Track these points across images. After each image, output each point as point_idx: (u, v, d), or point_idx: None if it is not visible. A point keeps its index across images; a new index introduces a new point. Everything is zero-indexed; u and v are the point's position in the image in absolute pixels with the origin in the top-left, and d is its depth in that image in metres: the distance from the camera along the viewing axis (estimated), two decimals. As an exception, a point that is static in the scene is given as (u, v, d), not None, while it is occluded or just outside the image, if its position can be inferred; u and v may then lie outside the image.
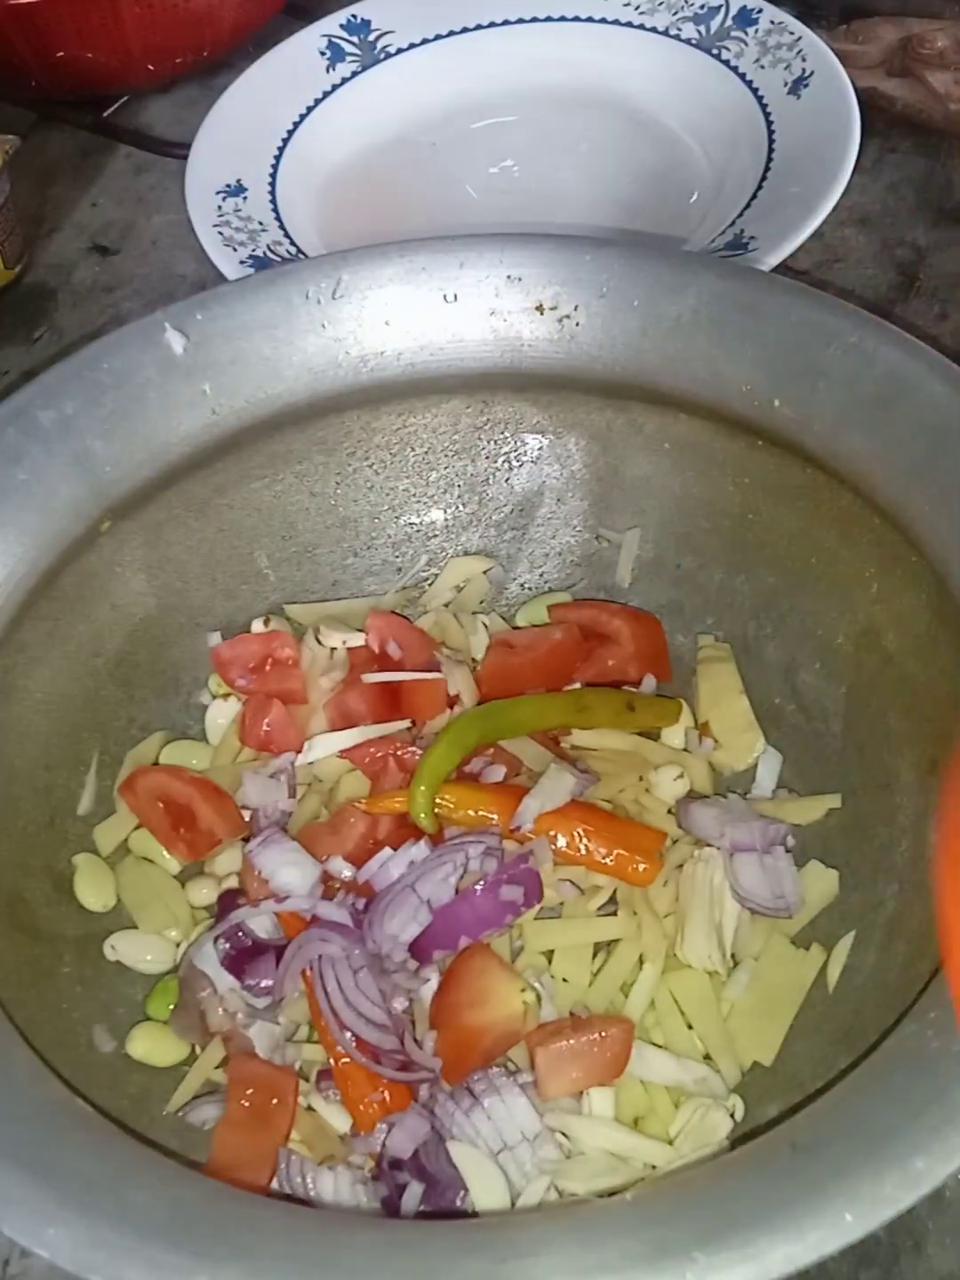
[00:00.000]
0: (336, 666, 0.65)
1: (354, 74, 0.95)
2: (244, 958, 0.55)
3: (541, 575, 0.69)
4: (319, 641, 0.65)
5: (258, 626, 0.66)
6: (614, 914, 0.56)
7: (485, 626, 0.67)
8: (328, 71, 0.94)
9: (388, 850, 0.56)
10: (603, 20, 0.95)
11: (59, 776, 0.60)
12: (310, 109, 0.93)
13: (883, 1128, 0.39)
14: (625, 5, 0.95)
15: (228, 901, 0.58)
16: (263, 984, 0.55)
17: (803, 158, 0.83)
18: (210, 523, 0.65)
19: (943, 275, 0.85)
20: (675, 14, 0.93)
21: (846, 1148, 0.38)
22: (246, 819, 0.61)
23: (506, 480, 0.68)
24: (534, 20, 0.96)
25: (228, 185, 0.87)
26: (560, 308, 0.61)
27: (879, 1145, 0.38)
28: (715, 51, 0.91)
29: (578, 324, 0.61)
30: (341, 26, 0.96)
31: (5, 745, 0.57)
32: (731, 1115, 0.52)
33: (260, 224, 0.84)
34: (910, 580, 0.56)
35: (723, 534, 0.64)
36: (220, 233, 0.83)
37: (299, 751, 0.62)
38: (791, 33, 0.90)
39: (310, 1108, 0.54)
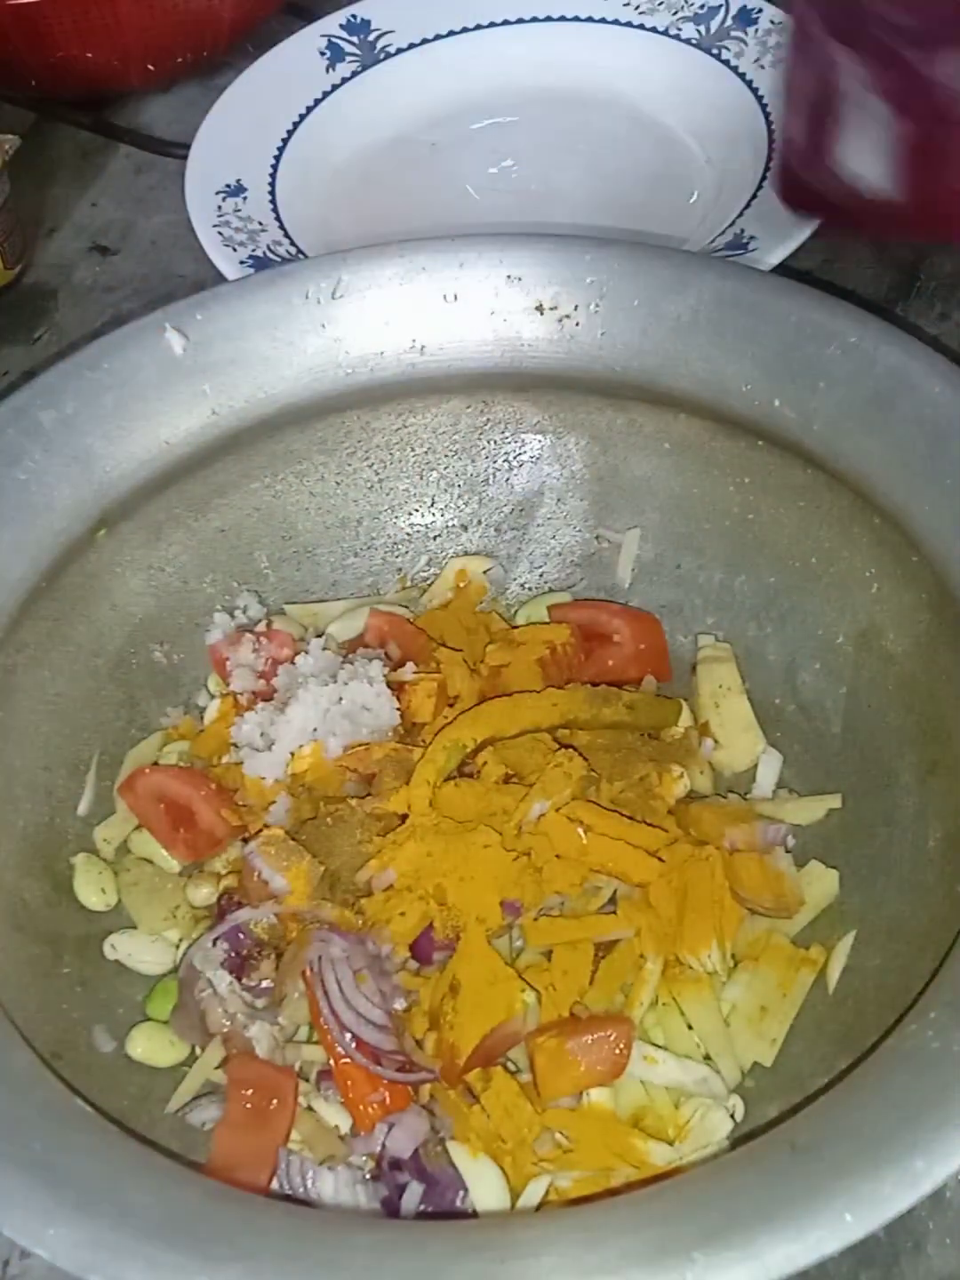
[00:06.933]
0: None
1: (354, 74, 0.94)
2: (244, 958, 0.55)
3: (541, 575, 0.69)
4: (320, 641, 0.65)
5: (258, 626, 0.66)
6: (614, 914, 0.56)
7: (485, 626, 0.67)
8: (328, 71, 0.94)
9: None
10: (603, 20, 0.95)
11: (59, 776, 0.60)
12: (310, 109, 0.93)
13: (883, 1128, 0.39)
14: (625, 5, 0.95)
15: (228, 901, 0.58)
16: (263, 984, 0.55)
17: (803, 158, 0.83)
18: (210, 523, 0.65)
19: (943, 275, 0.85)
20: (675, 14, 0.93)
21: (846, 1148, 0.38)
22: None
23: (506, 480, 0.68)
24: (534, 20, 0.96)
25: (228, 185, 0.87)
26: (560, 308, 0.61)
27: (879, 1145, 0.38)
28: (715, 51, 0.91)
29: (578, 324, 0.61)
30: (341, 26, 0.96)
31: (5, 745, 0.57)
32: (731, 1115, 0.52)
33: (260, 224, 0.84)
34: (910, 580, 0.56)
35: (723, 534, 0.64)
36: (220, 233, 0.83)
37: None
38: (792, 33, 0.89)
39: (310, 1108, 0.54)
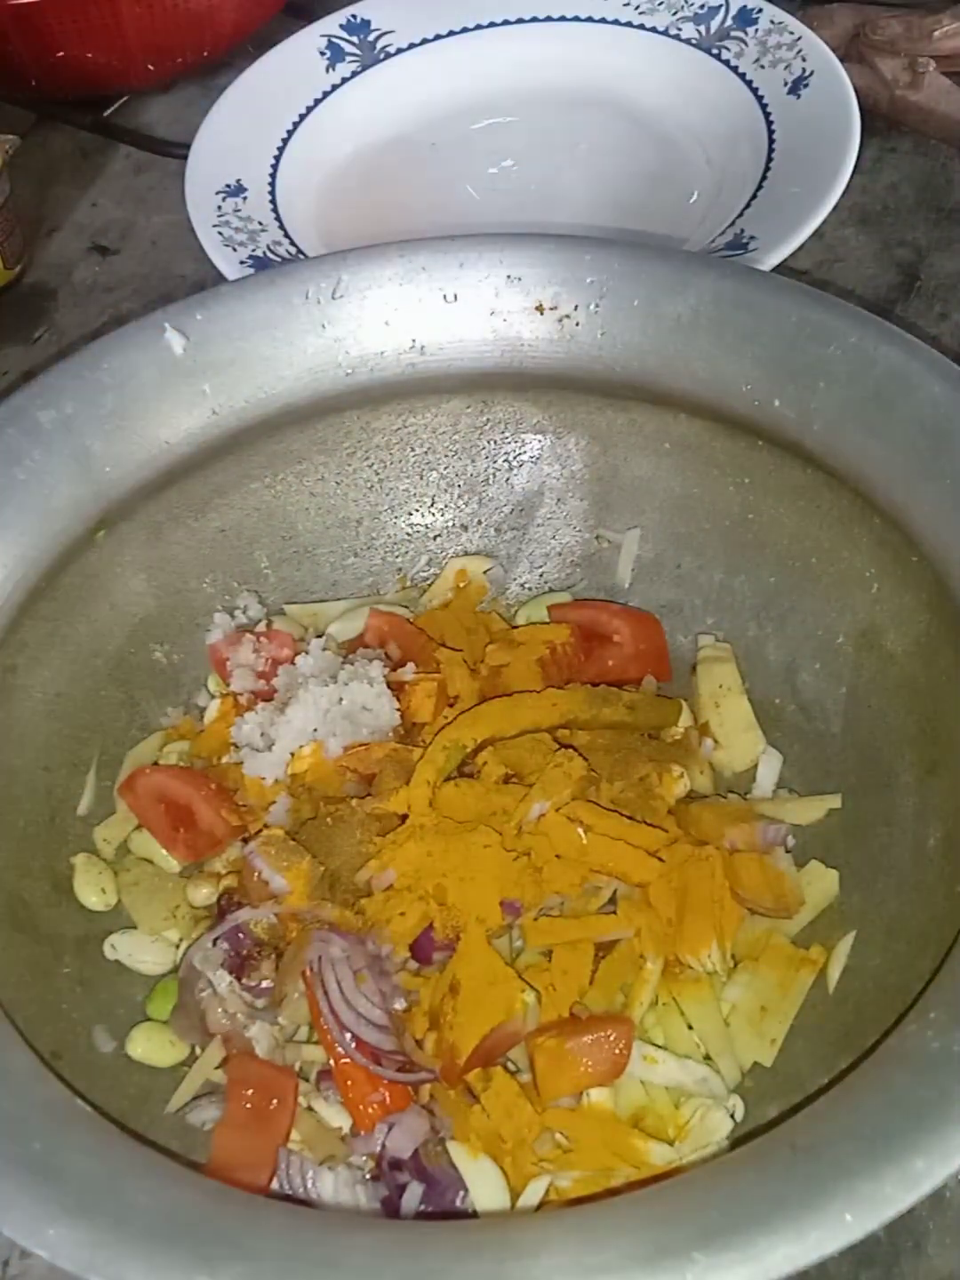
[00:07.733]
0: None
1: (354, 74, 0.95)
2: (244, 958, 0.55)
3: (541, 575, 0.69)
4: (320, 641, 0.65)
5: (258, 626, 0.66)
6: (614, 914, 0.56)
7: (485, 626, 0.67)
8: (328, 71, 0.94)
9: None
10: (603, 20, 0.95)
11: (59, 776, 0.60)
12: (310, 109, 0.93)
13: (883, 1128, 0.39)
14: (625, 5, 0.95)
15: (228, 901, 0.58)
16: (263, 984, 0.55)
17: (803, 158, 0.83)
18: (210, 523, 0.65)
19: (943, 275, 0.85)
20: (675, 14, 0.93)
21: (846, 1148, 0.38)
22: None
23: (506, 480, 0.68)
24: (534, 20, 0.96)
25: (228, 185, 0.87)
26: (560, 308, 0.61)
27: (879, 1145, 0.38)
28: (715, 51, 0.91)
29: (578, 324, 0.61)
30: (341, 26, 0.96)
31: (5, 745, 0.57)
32: (731, 1115, 0.52)
33: (260, 224, 0.84)
34: (910, 580, 0.56)
35: (723, 534, 0.64)
36: (220, 233, 0.83)
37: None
38: (791, 33, 0.90)
39: (310, 1108, 0.54)
